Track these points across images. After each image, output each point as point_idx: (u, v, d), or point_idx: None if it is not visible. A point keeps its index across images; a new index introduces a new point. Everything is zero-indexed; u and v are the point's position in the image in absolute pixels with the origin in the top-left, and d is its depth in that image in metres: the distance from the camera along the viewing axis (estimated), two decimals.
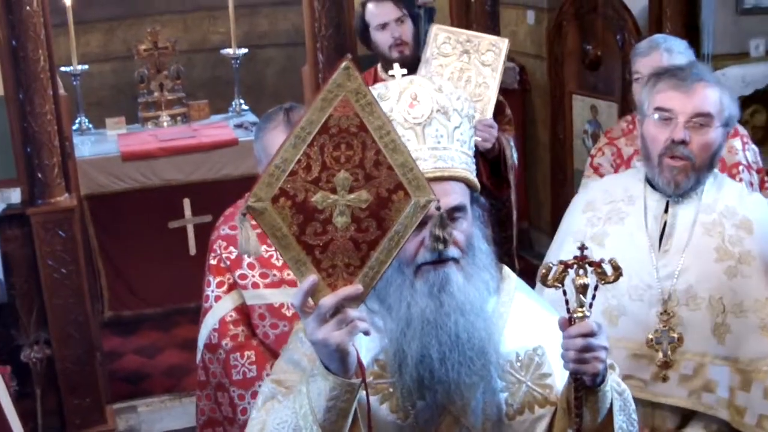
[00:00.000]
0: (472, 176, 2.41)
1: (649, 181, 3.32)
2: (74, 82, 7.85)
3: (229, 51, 8.38)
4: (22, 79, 5.32)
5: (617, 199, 3.39)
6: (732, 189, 3.35)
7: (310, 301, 2.12)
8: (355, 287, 2.11)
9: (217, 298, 3.54)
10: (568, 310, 2.35)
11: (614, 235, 3.30)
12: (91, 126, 7.93)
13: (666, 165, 3.18)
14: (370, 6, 4.82)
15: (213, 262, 3.59)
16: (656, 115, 3.19)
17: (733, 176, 4.11)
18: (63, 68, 7.49)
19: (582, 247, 2.38)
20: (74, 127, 7.46)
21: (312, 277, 2.10)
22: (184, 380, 6.34)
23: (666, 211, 3.27)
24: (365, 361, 2.31)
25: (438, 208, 2.17)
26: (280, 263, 3.50)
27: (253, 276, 3.52)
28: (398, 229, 2.12)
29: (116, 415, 5.96)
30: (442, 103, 2.33)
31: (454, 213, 2.31)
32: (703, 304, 3.16)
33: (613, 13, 6.78)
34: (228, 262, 3.55)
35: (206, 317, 3.57)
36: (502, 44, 4.42)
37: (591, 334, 2.30)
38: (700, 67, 3.28)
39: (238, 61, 8.38)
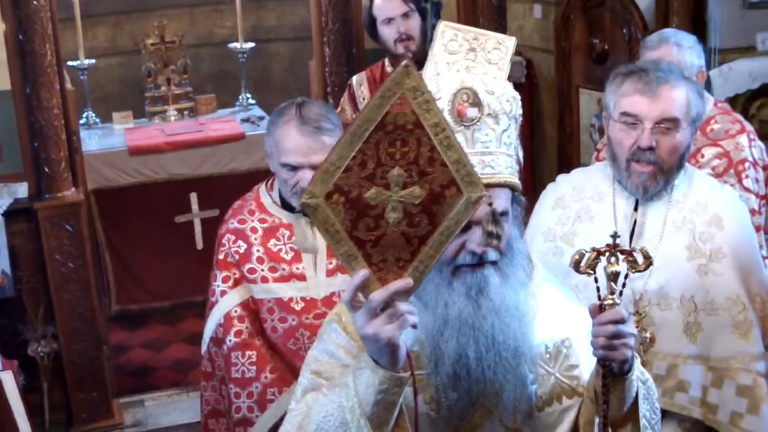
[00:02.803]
0: (516, 179, 2.42)
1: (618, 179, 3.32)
2: (81, 77, 7.86)
3: (236, 45, 8.39)
4: (29, 74, 5.33)
5: (586, 196, 3.38)
6: (703, 183, 3.33)
7: (359, 296, 2.13)
8: (406, 281, 2.13)
9: (223, 293, 3.54)
10: (599, 297, 2.37)
11: (583, 235, 3.28)
12: (98, 120, 7.94)
13: (634, 170, 3.18)
14: (377, 0, 4.82)
15: (221, 256, 3.58)
16: (622, 120, 3.18)
17: (739, 173, 4.09)
18: (70, 62, 7.50)
19: (614, 236, 2.41)
20: (81, 122, 7.46)
21: (363, 272, 2.11)
22: (191, 374, 6.35)
23: (635, 209, 3.26)
24: None
25: (490, 204, 2.19)
26: (289, 257, 3.50)
27: (262, 270, 3.51)
28: (449, 224, 2.14)
29: (123, 409, 5.97)
30: (493, 107, 2.34)
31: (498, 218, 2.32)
32: (674, 304, 3.15)
33: (620, 7, 6.76)
34: (237, 257, 3.54)
35: (212, 311, 3.57)
36: (509, 42, 4.44)
37: (621, 321, 2.33)
38: (665, 66, 3.23)
39: (245, 55, 8.38)
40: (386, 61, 4.95)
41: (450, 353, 2.30)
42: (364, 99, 4.86)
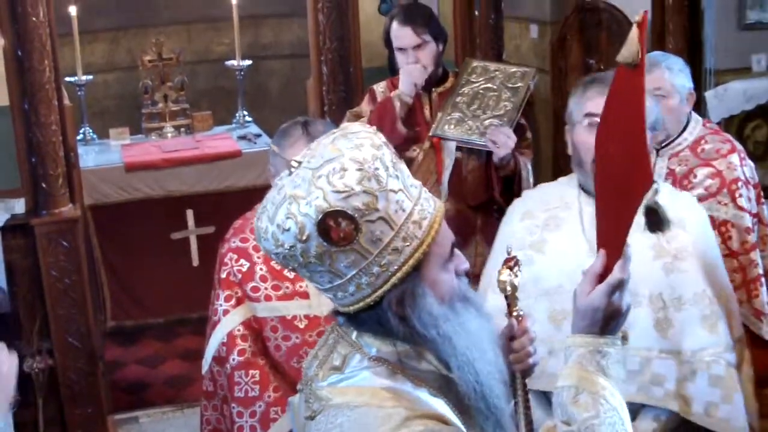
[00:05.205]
0: None
1: (582, 186, 3.38)
2: (79, 92, 7.87)
3: (233, 62, 8.41)
4: (27, 89, 5.33)
5: (553, 206, 3.45)
6: (664, 189, 3.42)
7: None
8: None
9: (225, 312, 3.54)
10: (510, 313, 2.45)
11: (553, 242, 3.36)
12: (95, 136, 7.95)
13: None
14: (393, 25, 4.76)
15: (223, 275, 3.58)
16: (586, 121, 3.23)
17: (732, 192, 4.14)
18: (68, 78, 7.51)
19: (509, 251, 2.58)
20: (78, 137, 7.46)
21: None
22: (186, 391, 6.35)
23: None
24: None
25: None
26: (292, 275, 3.50)
27: (266, 288, 3.52)
28: None
29: (118, 425, 5.96)
30: None
31: None
32: (644, 301, 3.23)
33: (617, 27, 6.81)
34: (239, 276, 3.54)
35: (215, 330, 3.56)
36: (530, 72, 4.73)
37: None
38: None
39: (242, 73, 8.40)
40: None
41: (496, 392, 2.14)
42: None
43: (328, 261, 1.94)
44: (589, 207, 3.33)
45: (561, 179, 3.72)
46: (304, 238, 1.91)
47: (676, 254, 3.27)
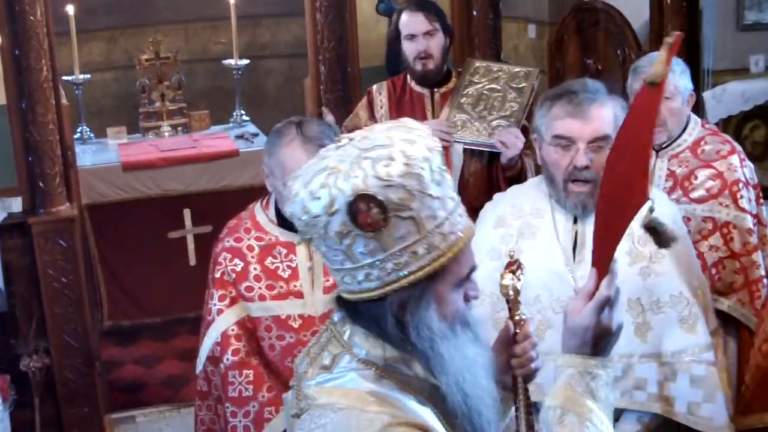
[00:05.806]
0: None
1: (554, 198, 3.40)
2: (76, 91, 7.86)
3: (231, 61, 8.39)
4: (24, 88, 5.33)
5: (526, 213, 3.45)
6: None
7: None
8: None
9: (219, 312, 3.53)
10: (512, 317, 2.39)
11: (528, 251, 3.34)
12: (92, 135, 7.94)
13: (572, 190, 3.27)
14: (403, 15, 4.82)
15: (217, 275, 3.58)
16: (555, 143, 3.26)
17: (734, 193, 4.13)
18: (65, 77, 7.49)
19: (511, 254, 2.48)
20: (75, 136, 7.45)
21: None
22: (183, 390, 6.34)
23: (575, 221, 3.35)
24: None
25: None
26: (286, 275, 3.51)
27: (260, 288, 3.51)
28: None
29: (114, 425, 5.96)
30: None
31: None
32: (622, 308, 3.20)
33: (614, 27, 6.80)
34: (233, 275, 3.53)
35: (209, 330, 3.56)
36: (534, 72, 4.71)
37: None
38: (591, 85, 3.31)
39: (240, 72, 8.39)
40: (408, 76, 4.96)
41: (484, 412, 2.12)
42: (381, 107, 4.90)
43: (347, 241, 1.93)
44: (561, 215, 3.37)
45: (530, 181, 3.74)
46: (332, 210, 1.89)
47: (651, 257, 3.28)
